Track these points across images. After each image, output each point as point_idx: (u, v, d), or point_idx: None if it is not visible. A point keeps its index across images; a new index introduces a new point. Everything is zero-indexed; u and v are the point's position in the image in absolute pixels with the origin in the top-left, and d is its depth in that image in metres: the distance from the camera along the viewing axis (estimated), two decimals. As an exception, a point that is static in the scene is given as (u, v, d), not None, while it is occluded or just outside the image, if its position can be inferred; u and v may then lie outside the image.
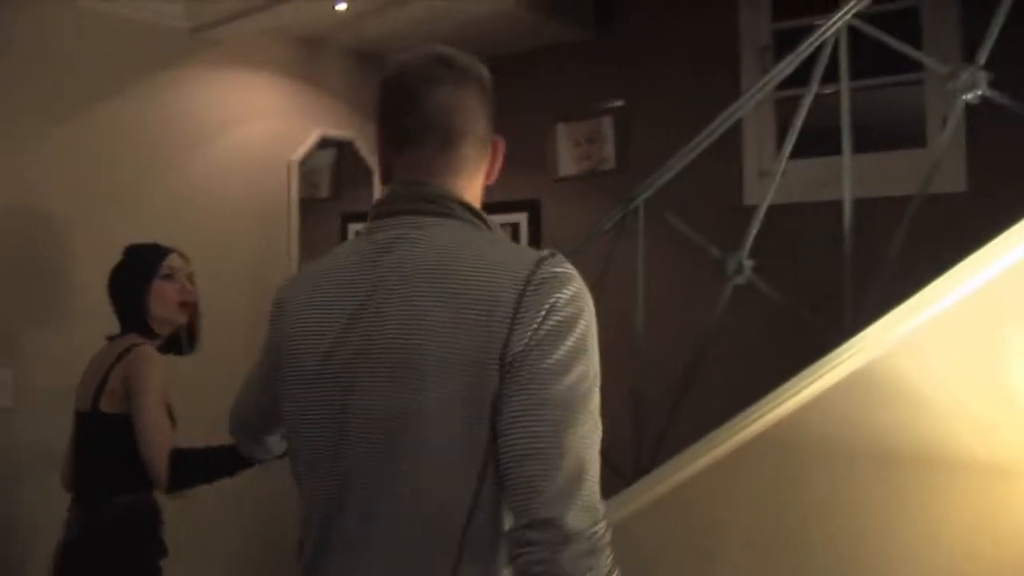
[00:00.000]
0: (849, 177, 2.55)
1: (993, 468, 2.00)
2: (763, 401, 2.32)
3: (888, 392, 2.14)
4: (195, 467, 2.41)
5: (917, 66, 2.98)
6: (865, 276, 2.46)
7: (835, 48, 2.52)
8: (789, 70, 2.58)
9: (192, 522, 2.83)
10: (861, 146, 2.68)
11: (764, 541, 2.35)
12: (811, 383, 2.26)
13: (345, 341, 1.32)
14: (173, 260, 2.64)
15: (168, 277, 2.60)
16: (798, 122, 2.56)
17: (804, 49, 2.51)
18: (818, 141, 2.83)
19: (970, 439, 2.04)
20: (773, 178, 2.63)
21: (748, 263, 2.56)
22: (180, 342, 2.69)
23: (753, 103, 2.78)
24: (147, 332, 2.58)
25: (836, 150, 2.63)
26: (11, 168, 3.20)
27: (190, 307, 2.66)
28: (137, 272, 2.60)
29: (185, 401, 2.92)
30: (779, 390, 2.29)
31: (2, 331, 3.14)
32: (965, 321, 2.08)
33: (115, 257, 2.65)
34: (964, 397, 2.06)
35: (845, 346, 2.26)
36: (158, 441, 2.36)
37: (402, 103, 1.40)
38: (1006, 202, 2.06)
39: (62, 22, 3.33)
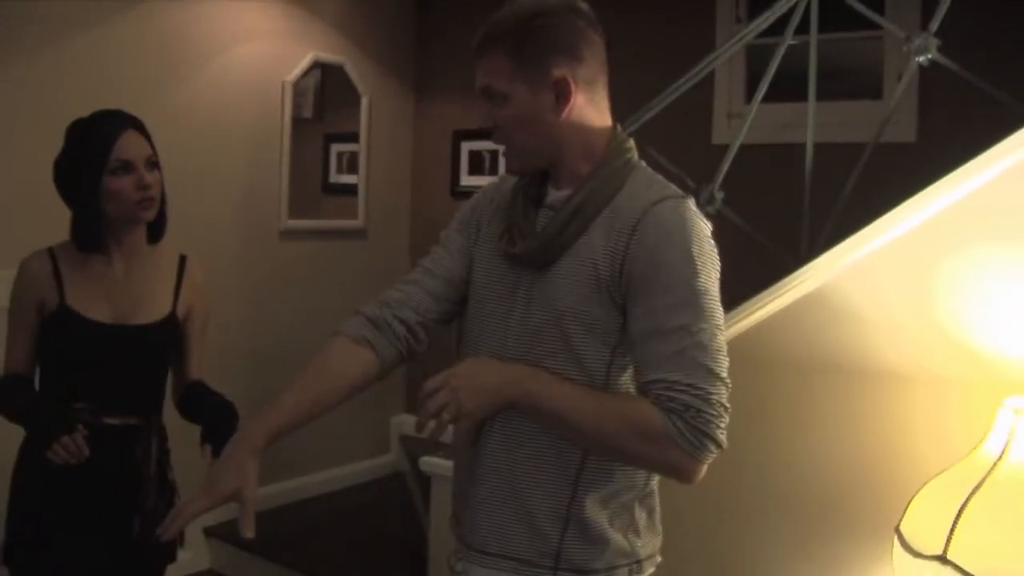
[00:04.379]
0: (812, 122, 2.83)
1: (903, 376, 2.32)
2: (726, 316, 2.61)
3: (836, 312, 2.44)
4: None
5: (879, 25, 3.25)
6: (821, 212, 2.75)
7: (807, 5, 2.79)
8: (765, 25, 2.83)
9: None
10: (823, 95, 2.96)
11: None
12: (769, 303, 2.55)
13: None
14: (125, 146, 2.12)
15: (118, 171, 2.11)
16: (771, 69, 2.82)
17: (781, 6, 2.76)
18: (781, 88, 3.10)
19: (900, 353, 2.36)
20: (744, 119, 2.90)
21: (720, 195, 2.83)
22: (149, 230, 2.27)
23: (731, 52, 3.03)
24: (81, 238, 2.17)
25: (799, 96, 2.90)
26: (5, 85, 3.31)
27: (152, 202, 2.16)
28: (83, 165, 2.11)
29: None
30: (740, 307, 2.57)
31: None
32: (906, 253, 2.37)
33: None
34: (903, 319, 2.37)
35: (800, 271, 2.55)
36: None
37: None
38: (950, 153, 2.35)
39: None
